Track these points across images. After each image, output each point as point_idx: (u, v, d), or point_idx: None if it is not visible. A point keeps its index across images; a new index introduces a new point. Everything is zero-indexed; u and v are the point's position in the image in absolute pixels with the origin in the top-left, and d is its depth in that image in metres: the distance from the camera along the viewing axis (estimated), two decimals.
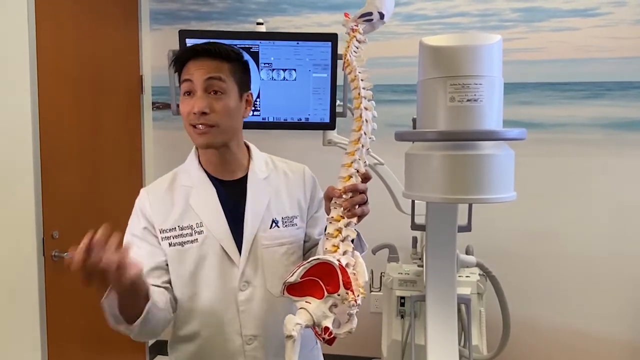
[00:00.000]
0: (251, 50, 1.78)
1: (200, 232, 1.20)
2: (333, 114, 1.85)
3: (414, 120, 1.40)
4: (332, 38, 1.79)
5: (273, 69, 1.80)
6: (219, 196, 1.22)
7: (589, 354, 2.68)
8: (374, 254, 2.27)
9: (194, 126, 1.15)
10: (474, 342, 1.99)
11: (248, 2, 2.87)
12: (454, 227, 1.30)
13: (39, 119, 2.05)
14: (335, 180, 1.10)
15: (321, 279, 0.99)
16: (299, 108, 1.82)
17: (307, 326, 0.97)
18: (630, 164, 2.57)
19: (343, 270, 0.98)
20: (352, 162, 1.09)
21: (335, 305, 0.98)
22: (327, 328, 0.97)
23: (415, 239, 2.34)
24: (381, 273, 2.31)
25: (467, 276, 2.11)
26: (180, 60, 1.18)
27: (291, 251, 1.27)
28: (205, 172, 1.25)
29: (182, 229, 1.20)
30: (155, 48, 2.96)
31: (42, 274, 2.08)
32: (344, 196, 1.07)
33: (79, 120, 2.37)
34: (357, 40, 1.13)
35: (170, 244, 1.20)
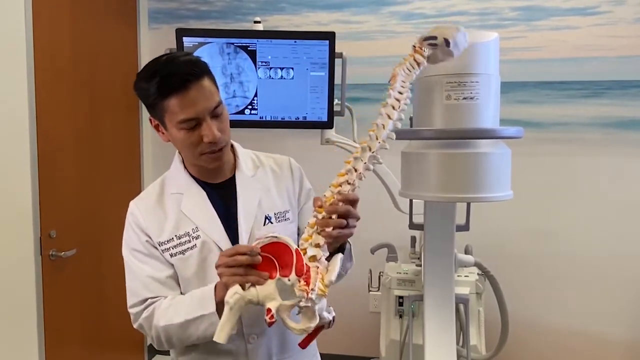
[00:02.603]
0: (249, 48, 1.78)
1: (197, 237, 1.19)
2: (331, 113, 1.85)
3: (411, 119, 1.39)
4: (330, 36, 1.78)
5: (270, 68, 1.79)
6: (209, 199, 1.22)
7: (588, 354, 2.67)
8: (373, 254, 2.27)
9: (205, 152, 1.14)
10: (472, 341, 1.99)
11: (247, 1, 2.86)
12: (452, 226, 1.30)
13: (36, 117, 2.04)
14: (333, 177, 1.07)
15: (278, 259, 0.98)
16: (296, 107, 1.82)
17: (250, 300, 0.96)
18: (630, 163, 2.56)
19: (299, 255, 0.97)
20: (355, 168, 1.03)
21: (300, 301, 0.96)
22: (269, 310, 0.95)
23: (413, 239, 2.34)
24: (380, 272, 2.31)
25: (465, 276, 2.10)
26: (163, 93, 1.09)
27: None
28: (193, 176, 1.24)
29: (179, 237, 1.19)
30: (154, 47, 2.95)
31: (40, 273, 2.07)
32: (319, 216, 1.02)
33: (76, 119, 2.36)
34: (414, 59, 1.08)
35: (171, 255, 1.19)
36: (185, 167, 1.25)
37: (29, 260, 2.04)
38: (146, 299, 1.18)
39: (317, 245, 1.01)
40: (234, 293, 0.95)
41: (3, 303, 2.01)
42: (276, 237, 1.00)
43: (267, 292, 0.96)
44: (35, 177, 2.05)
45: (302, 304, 0.95)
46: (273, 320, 0.95)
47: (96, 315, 2.48)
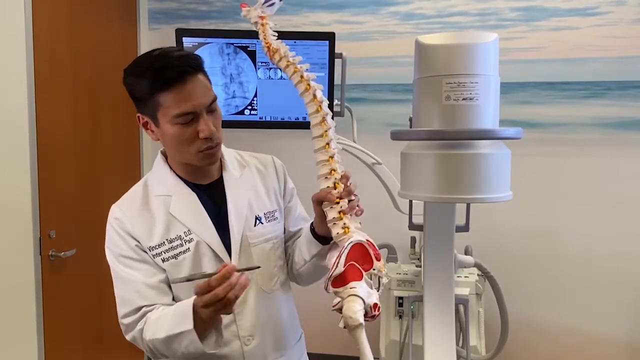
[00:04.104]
0: (248, 49, 1.78)
1: (190, 240, 1.16)
2: (330, 113, 1.84)
3: (410, 120, 1.39)
4: (330, 37, 1.78)
5: (270, 68, 1.79)
6: (199, 201, 1.19)
7: (587, 354, 2.67)
8: None
9: (201, 150, 1.11)
10: (472, 342, 1.99)
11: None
12: (452, 227, 1.30)
13: (35, 118, 2.04)
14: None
15: (356, 261, 0.99)
16: (296, 107, 1.82)
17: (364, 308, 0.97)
18: (630, 164, 2.56)
19: (371, 244, 1.00)
20: (329, 143, 1.08)
21: (372, 282, 0.99)
22: (375, 304, 0.96)
23: (413, 239, 2.34)
24: None
25: (465, 276, 2.10)
26: (158, 86, 1.07)
27: (277, 246, 1.26)
28: (179, 177, 1.20)
29: (171, 241, 1.15)
30: (153, 47, 2.93)
31: (39, 273, 2.07)
32: (344, 203, 1.05)
33: (76, 119, 2.36)
34: (270, 28, 1.16)
35: (163, 260, 1.15)
36: (171, 168, 1.21)
37: (28, 260, 2.04)
38: (140, 307, 1.14)
39: (358, 227, 1.05)
40: (358, 311, 0.92)
41: (2, 303, 2.01)
42: (351, 241, 1.00)
43: (366, 292, 0.96)
44: (35, 177, 2.05)
45: (384, 280, 0.99)
46: (379, 312, 0.96)
47: (96, 315, 2.48)
